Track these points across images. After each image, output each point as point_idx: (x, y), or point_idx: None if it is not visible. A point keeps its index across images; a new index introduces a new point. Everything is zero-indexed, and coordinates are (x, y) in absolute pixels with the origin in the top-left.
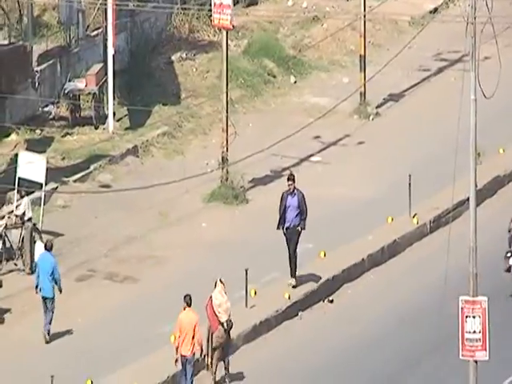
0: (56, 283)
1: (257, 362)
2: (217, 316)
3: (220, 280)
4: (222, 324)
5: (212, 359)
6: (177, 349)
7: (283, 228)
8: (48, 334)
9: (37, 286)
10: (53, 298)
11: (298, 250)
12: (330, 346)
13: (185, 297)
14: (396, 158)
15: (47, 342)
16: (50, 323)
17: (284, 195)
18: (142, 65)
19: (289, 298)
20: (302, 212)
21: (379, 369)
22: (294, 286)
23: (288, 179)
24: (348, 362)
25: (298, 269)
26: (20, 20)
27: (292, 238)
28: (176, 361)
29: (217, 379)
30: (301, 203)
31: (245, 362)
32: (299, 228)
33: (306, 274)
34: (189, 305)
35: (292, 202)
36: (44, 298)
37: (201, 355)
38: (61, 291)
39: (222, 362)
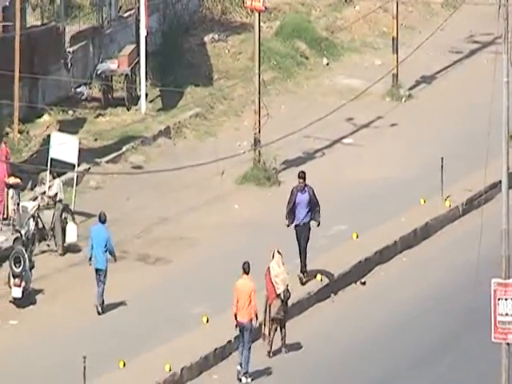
0: (111, 254)
1: (288, 345)
2: (274, 287)
3: (278, 251)
4: (279, 295)
5: (269, 330)
6: (235, 315)
7: (294, 225)
8: (101, 304)
9: (90, 258)
10: (105, 270)
11: (309, 243)
12: (362, 328)
13: (243, 264)
14: (428, 139)
15: (99, 314)
16: (102, 295)
17: (294, 191)
18: (175, 46)
19: (321, 280)
20: (315, 206)
21: (412, 350)
22: (302, 283)
23: (299, 177)
24: (381, 343)
25: (331, 250)
26: (52, 1)
27: (303, 234)
28: (236, 326)
29: (273, 350)
30: (312, 198)
31: (273, 346)
32: (310, 224)
33: (339, 255)
34: (246, 272)
35: (302, 198)
36: (97, 270)
37: (256, 323)
38: (115, 260)
39: (279, 333)
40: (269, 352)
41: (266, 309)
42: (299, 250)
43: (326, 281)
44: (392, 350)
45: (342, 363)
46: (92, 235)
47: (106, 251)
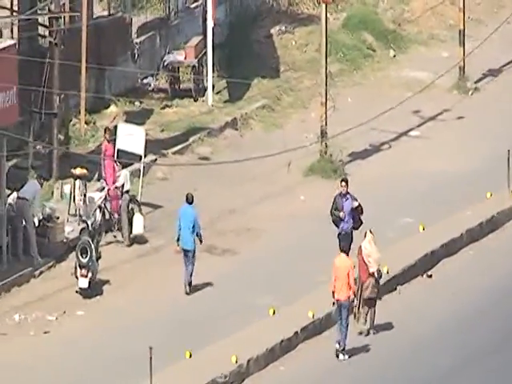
0: (197, 235)
1: (356, 335)
2: (366, 266)
3: (370, 230)
4: (372, 274)
5: (359, 309)
6: (333, 293)
7: (337, 234)
8: (189, 285)
9: (178, 239)
10: (194, 250)
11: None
12: (428, 321)
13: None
14: (495, 133)
15: (187, 294)
16: (191, 276)
17: (336, 198)
18: (242, 37)
19: (387, 272)
20: (358, 212)
21: (479, 342)
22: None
23: (342, 181)
24: (447, 335)
25: (398, 243)
26: None
27: (344, 244)
28: (333, 304)
29: (364, 328)
30: (358, 206)
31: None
32: (351, 232)
33: (405, 248)
34: (344, 251)
35: (344, 205)
36: (185, 250)
37: (353, 300)
38: (201, 242)
39: (369, 313)
40: (361, 331)
41: (358, 288)
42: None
43: (392, 273)
44: (459, 341)
45: (413, 352)
46: (180, 216)
47: (193, 232)
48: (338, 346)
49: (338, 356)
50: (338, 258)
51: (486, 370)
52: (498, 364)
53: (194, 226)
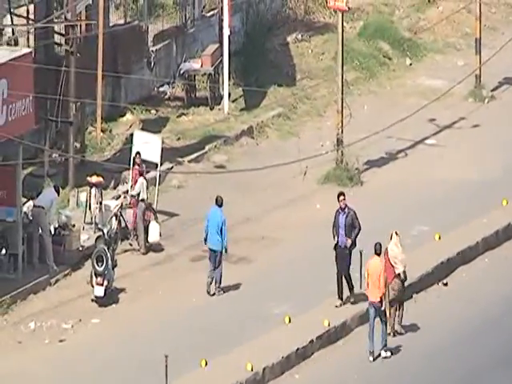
0: (222, 240)
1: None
2: (393, 267)
3: (395, 232)
4: (398, 275)
5: (389, 310)
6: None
7: (334, 245)
8: (219, 284)
9: (205, 239)
10: (220, 252)
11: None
12: (444, 329)
13: (375, 245)
14: (511, 141)
15: (209, 294)
16: (220, 276)
17: (336, 214)
18: (258, 46)
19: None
20: (354, 228)
21: (495, 350)
22: (336, 306)
23: (340, 195)
24: (463, 343)
25: (414, 251)
26: (136, 0)
27: (343, 259)
28: (369, 304)
29: (392, 330)
30: (353, 221)
31: (358, 344)
32: (348, 249)
33: (421, 256)
34: (377, 253)
35: (342, 220)
36: (212, 251)
37: (382, 301)
38: (226, 251)
39: (396, 314)
40: (389, 332)
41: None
42: (337, 274)
43: (408, 281)
44: (473, 349)
45: (427, 359)
46: (208, 217)
47: (221, 233)
48: (371, 348)
49: (379, 355)
50: (372, 261)
51: (499, 378)
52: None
53: (221, 229)
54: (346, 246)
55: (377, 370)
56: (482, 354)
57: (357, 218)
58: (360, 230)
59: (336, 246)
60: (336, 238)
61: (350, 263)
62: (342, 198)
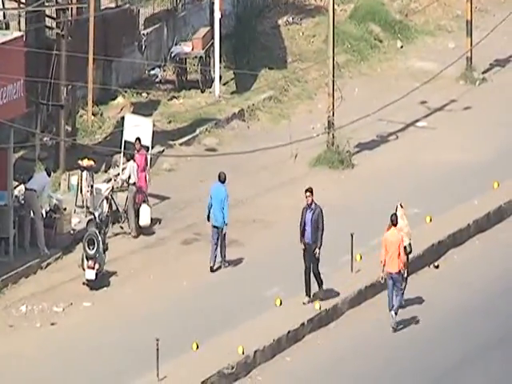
0: (224, 215)
1: (362, 327)
2: None
3: (400, 205)
4: (404, 248)
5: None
6: (383, 266)
7: (303, 243)
8: (224, 259)
9: (208, 216)
10: (223, 228)
11: (320, 265)
12: (434, 311)
13: (391, 216)
14: (502, 123)
15: (212, 271)
16: (223, 252)
17: (303, 210)
18: (249, 29)
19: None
20: (318, 229)
21: (486, 332)
22: (304, 303)
23: (306, 191)
24: (452, 326)
25: None
26: None
27: (311, 256)
28: (381, 278)
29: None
30: (318, 219)
31: (350, 327)
32: (315, 246)
33: (412, 238)
34: (394, 224)
35: (309, 216)
36: (215, 227)
37: (405, 272)
38: (226, 224)
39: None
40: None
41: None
42: (304, 271)
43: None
44: (465, 331)
45: (419, 342)
46: (211, 194)
47: (224, 210)
48: (393, 314)
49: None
50: (389, 232)
51: (492, 360)
52: (506, 355)
53: (223, 204)
54: (313, 241)
55: (366, 353)
56: (474, 336)
57: (322, 218)
58: (323, 230)
59: (305, 244)
60: (302, 236)
61: (318, 259)
62: (308, 194)
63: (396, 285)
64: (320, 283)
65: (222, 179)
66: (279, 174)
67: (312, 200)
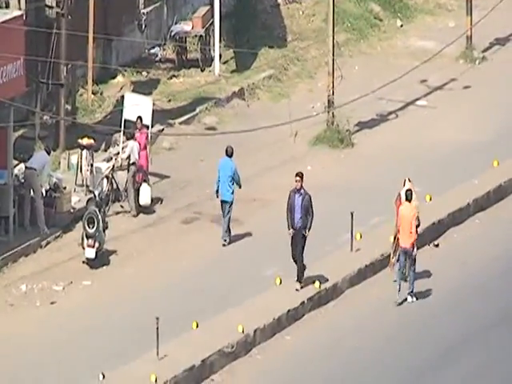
0: (237, 184)
1: (362, 306)
2: None
3: (408, 179)
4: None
5: (397, 258)
6: (397, 240)
7: (291, 228)
8: (228, 233)
9: (217, 191)
10: (231, 202)
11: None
12: (435, 290)
13: (405, 191)
14: (502, 102)
15: (224, 245)
16: (228, 225)
17: (291, 194)
18: (248, 7)
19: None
20: (308, 214)
21: (486, 311)
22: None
23: (296, 175)
24: (452, 305)
25: None
26: None
27: (298, 242)
28: (394, 251)
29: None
30: (308, 206)
31: (350, 306)
32: (304, 232)
33: None
34: (408, 199)
35: (298, 201)
36: (223, 202)
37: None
38: (240, 187)
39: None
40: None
41: (395, 236)
42: (293, 256)
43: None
44: (465, 310)
45: (420, 321)
46: (219, 168)
47: (232, 184)
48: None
49: (405, 299)
50: (404, 206)
51: (494, 339)
52: (507, 333)
53: (232, 179)
54: (300, 227)
55: (366, 331)
56: (475, 314)
57: (311, 205)
58: (313, 216)
59: (294, 229)
60: (291, 221)
61: (303, 246)
62: (297, 178)
63: (409, 260)
64: (301, 271)
65: (229, 153)
66: (279, 152)
67: (301, 185)
